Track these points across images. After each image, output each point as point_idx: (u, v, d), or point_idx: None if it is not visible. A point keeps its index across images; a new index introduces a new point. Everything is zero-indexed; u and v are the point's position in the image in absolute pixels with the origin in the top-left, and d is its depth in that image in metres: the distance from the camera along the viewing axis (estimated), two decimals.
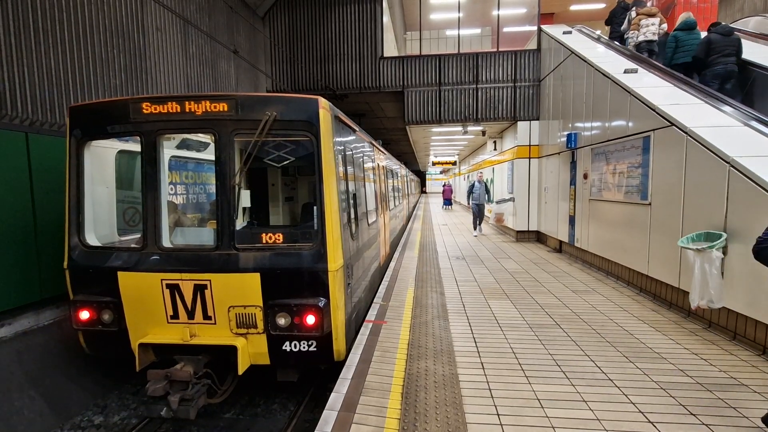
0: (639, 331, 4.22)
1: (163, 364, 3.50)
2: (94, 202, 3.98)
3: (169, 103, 3.54)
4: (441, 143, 16.93)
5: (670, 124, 4.81)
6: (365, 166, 5.76)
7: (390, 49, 11.55)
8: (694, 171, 4.41)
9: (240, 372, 3.50)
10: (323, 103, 3.62)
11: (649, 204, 5.23)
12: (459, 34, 11.54)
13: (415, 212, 21.67)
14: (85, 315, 3.69)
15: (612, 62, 6.95)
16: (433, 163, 24.71)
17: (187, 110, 3.54)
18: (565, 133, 8.27)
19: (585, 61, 7.35)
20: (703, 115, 4.83)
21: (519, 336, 4.11)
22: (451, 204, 25.82)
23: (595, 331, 4.22)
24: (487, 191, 12.27)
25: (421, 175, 53.62)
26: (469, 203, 12.07)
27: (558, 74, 9.00)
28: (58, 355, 4.35)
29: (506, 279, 6.55)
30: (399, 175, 12.43)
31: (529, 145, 10.43)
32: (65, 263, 3.73)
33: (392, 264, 7.66)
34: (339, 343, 3.65)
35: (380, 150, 7.91)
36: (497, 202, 11.73)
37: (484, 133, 12.67)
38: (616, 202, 6.19)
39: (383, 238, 7.13)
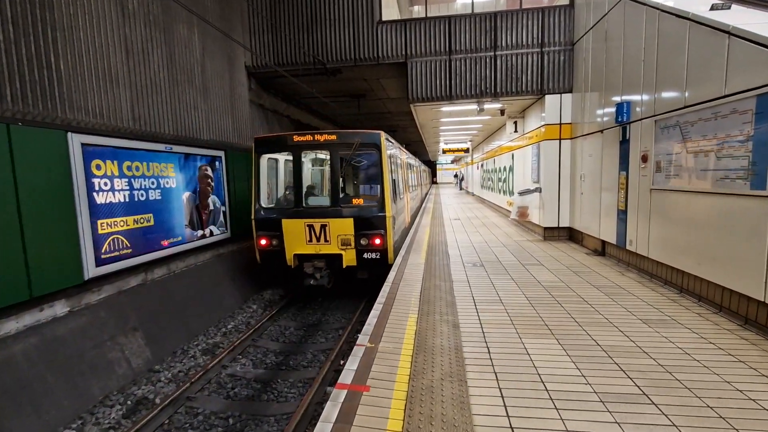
0: None
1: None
2: (266, 186, 7.53)
3: (307, 136, 6.91)
4: (452, 127, 15.10)
5: None
6: (398, 162, 9.38)
7: (390, 14, 9.78)
8: None
9: (344, 266, 6.90)
10: (382, 133, 7.00)
11: None
12: None
13: (424, 204, 19.95)
14: (263, 242, 7.06)
15: None
16: (444, 151, 22.83)
17: (315, 139, 6.90)
18: (610, 106, 6.46)
19: (645, 5, 5.51)
20: None
21: (589, 424, 2.44)
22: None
23: (714, 411, 2.52)
24: None
25: (432, 165, 51.90)
26: None
27: (599, 32, 7.15)
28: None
29: (542, 298, 4.86)
30: (414, 167, 16.02)
31: (560, 124, 8.61)
32: (252, 216, 7.14)
33: (392, 275, 6.02)
34: (390, 255, 6.88)
35: (404, 151, 12.12)
36: (520, 194, 9.95)
37: (502, 112, 10.84)
38: (699, 193, 4.42)
39: (407, 209, 10.83)
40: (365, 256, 6.78)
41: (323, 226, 6.79)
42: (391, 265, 6.60)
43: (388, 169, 7.08)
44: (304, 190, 7.15)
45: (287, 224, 6.88)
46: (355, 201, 7.03)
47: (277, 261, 7.04)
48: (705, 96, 4.30)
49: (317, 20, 8.99)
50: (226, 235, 8.35)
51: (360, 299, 7.92)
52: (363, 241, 6.69)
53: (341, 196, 7.10)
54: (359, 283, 7.99)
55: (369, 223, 6.74)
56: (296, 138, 6.91)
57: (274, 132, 11.11)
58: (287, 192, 7.95)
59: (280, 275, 8.90)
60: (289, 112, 11.92)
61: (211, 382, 5.08)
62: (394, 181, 7.80)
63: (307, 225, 6.81)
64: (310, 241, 6.85)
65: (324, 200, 7.40)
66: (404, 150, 12.02)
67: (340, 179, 7.11)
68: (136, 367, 5.18)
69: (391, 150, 7.91)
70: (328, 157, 7.13)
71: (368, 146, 6.94)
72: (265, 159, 7.34)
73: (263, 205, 7.20)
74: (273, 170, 7.94)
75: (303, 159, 7.13)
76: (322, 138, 6.86)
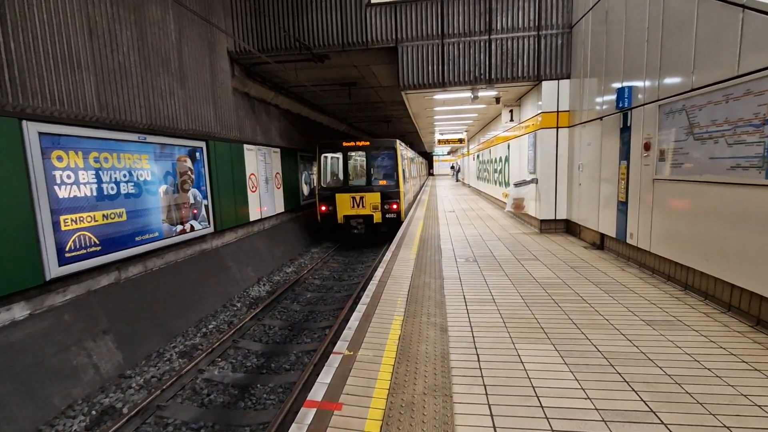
0: None
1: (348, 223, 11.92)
2: (325, 173, 12.55)
3: (352, 142, 12.10)
4: (446, 116, 14.69)
5: None
6: (405, 157, 14.11)
7: None
8: None
9: (374, 222, 11.62)
10: (398, 141, 12.11)
11: None
12: None
13: (420, 197, 19.59)
14: (323, 208, 11.83)
15: None
16: (439, 142, 22.42)
17: (357, 144, 12.14)
18: (610, 91, 6.10)
19: None
20: None
21: None
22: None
23: None
24: None
25: (428, 157, 51.49)
26: None
27: (599, 13, 6.75)
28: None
29: (538, 297, 4.54)
30: (415, 160, 21.38)
31: (557, 112, 8.24)
32: (317, 192, 11.98)
33: (379, 271, 5.70)
34: (403, 216, 11.60)
35: (409, 149, 17.67)
36: (516, 185, 9.61)
37: (498, 100, 10.45)
38: (708, 183, 4.09)
39: (412, 188, 16.79)
40: (387, 216, 11.50)
41: (361, 197, 11.54)
42: (402, 221, 11.23)
43: (400, 162, 11.92)
44: (349, 176, 12.20)
45: (339, 197, 11.62)
46: (380, 182, 11.76)
47: (332, 220, 11.74)
48: (715, 77, 3.94)
49: (303, 3, 8.52)
50: (209, 230, 7.99)
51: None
52: (386, 207, 11.47)
53: (372, 179, 11.95)
54: (381, 235, 12.73)
55: (389, 196, 11.50)
56: (345, 143, 11.98)
57: (261, 122, 10.71)
58: (335, 177, 13.00)
59: (332, 230, 13.20)
60: (277, 101, 11.46)
61: (185, 388, 4.76)
62: (404, 170, 12.65)
63: (351, 197, 11.58)
64: (353, 207, 11.60)
65: (362, 182, 12.37)
66: (409, 149, 18.24)
67: (371, 168, 12.03)
68: (105, 372, 4.84)
69: (402, 150, 12.99)
70: (365, 156, 12.14)
71: (388, 149, 11.90)
72: (322, 157, 12.19)
73: (323, 186, 12.06)
74: (326, 163, 12.65)
75: (348, 157, 12.26)
76: (360, 144, 12.05)
